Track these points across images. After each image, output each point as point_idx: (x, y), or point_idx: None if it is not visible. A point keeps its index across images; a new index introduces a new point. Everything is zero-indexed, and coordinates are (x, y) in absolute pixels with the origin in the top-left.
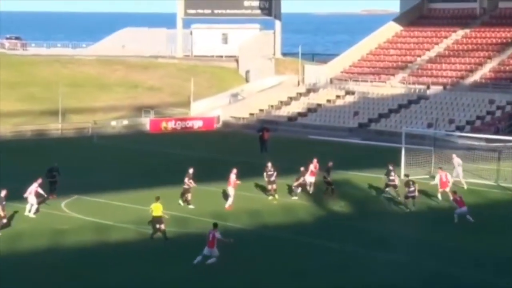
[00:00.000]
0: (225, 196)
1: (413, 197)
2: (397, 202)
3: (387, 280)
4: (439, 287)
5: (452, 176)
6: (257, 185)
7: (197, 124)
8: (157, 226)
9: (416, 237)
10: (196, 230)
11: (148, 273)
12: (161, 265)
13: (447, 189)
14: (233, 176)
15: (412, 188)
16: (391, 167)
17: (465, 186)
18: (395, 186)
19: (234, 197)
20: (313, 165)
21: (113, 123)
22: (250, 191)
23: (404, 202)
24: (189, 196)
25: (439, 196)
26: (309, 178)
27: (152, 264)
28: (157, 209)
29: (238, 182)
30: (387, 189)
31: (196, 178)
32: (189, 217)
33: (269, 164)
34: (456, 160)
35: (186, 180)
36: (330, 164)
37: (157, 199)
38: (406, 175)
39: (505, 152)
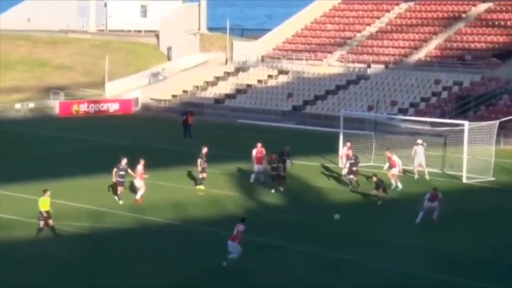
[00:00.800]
0: (132, 188)
1: (355, 172)
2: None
3: (307, 275)
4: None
5: (414, 165)
6: (181, 175)
7: (112, 107)
8: (44, 221)
9: (352, 231)
10: (112, 225)
11: (57, 273)
12: (74, 263)
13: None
14: (140, 167)
15: (353, 161)
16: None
17: (427, 177)
18: (354, 173)
19: (143, 189)
20: (257, 150)
21: (17, 106)
22: (172, 181)
23: (348, 178)
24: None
25: (393, 181)
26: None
27: (63, 263)
28: (44, 203)
29: (145, 176)
30: (350, 176)
31: (111, 167)
32: (105, 211)
33: (205, 150)
34: (420, 147)
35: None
36: (288, 148)
37: (44, 192)
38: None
39: (452, 137)
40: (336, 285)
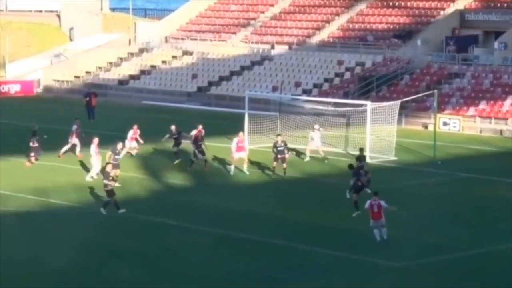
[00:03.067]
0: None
1: (283, 159)
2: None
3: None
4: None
5: (308, 149)
6: (85, 157)
7: (14, 89)
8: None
9: (251, 210)
10: (16, 209)
11: None
12: None
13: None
14: (93, 145)
15: (281, 148)
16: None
17: (322, 154)
18: (283, 160)
19: (97, 167)
20: (133, 131)
21: None
22: (76, 163)
23: (274, 165)
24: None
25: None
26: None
27: None
28: None
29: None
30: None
31: (13, 150)
32: (8, 194)
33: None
34: (316, 132)
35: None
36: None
37: None
38: (279, 134)
39: (354, 117)
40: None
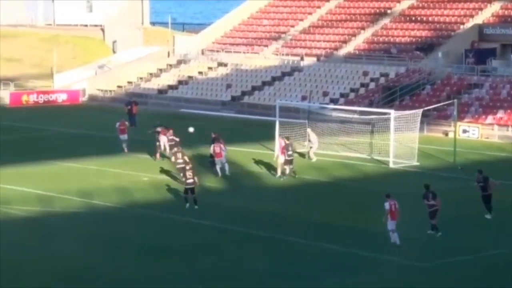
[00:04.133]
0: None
1: (291, 161)
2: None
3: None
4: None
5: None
6: (127, 161)
7: (61, 98)
8: None
9: (280, 212)
10: (61, 210)
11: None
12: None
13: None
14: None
15: (290, 152)
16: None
17: (314, 159)
18: (291, 162)
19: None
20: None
21: None
22: (119, 167)
23: (282, 168)
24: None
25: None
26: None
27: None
28: None
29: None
30: (285, 166)
31: (60, 155)
32: (54, 196)
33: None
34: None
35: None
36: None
37: None
38: (287, 137)
39: (379, 124)
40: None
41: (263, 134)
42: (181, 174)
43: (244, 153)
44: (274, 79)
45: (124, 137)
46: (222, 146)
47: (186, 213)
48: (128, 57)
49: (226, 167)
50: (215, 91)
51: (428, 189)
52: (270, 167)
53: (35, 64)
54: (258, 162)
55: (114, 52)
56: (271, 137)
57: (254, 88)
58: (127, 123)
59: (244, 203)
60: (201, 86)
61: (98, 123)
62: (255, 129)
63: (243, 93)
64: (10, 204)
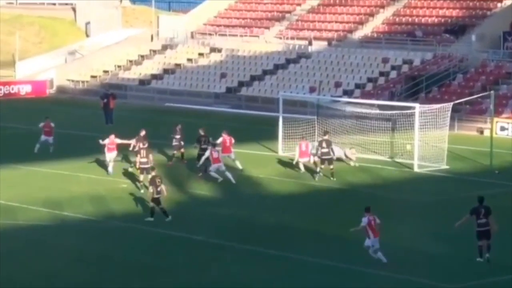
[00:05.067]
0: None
1: (330, 160)
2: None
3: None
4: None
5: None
6: (102, 165)
7: (24, 90)
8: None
9: (285, 224)
10: (24, 223)
11: None
12: None
13: (308, 160)
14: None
15: (325, 150)
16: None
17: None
18: (330, 161)
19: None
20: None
21: None
22: (93, 172)
23: (318, 167)
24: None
25: (301, 166)
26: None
27: None
28: None
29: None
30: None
31: (21, 158)
32: (17, 206)
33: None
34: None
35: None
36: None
37: None
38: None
39: (401, 121)
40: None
41: (264, 132)
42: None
43: (241, 155)
44: (277, 67)
45: (49, 139)
46: (221, 150)
47: (173, 226)
48: (104, 42)
49: (229, 175)
50: (207, 82)
51: (482, 202)
52: (271, 171)
53: None
54: (259, 165)
55: (87, 35)
56: (273, 136)
57: (253, 78)
58: (52, 124)
59: (243, 214)
60: (190, 75)
61: (68, 119)
62: (254, 126)
63: (240, 84)
64: None
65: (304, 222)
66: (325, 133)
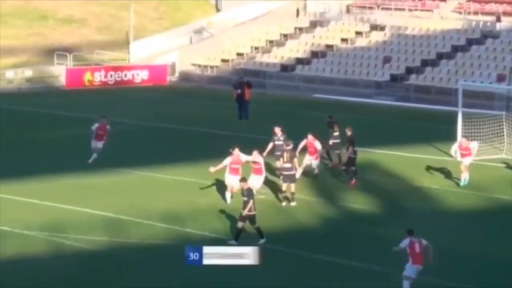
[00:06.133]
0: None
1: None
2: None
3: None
4: None
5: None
6: None
7: (140, 76)
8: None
9: (483, 251)
10: (140, 241)
11: None
12: None
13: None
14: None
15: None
16: None
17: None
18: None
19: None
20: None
21: (10, 74)
22: (219, 178)
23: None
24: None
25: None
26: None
27: None
28: None
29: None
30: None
31: (132, 160)
32: (128, 220)
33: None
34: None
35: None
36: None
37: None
38: None
39: None
40: None
41: (438, 131)
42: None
43: (408, 160)
44: (455, 49)
45: (98, 144)
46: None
47: (323, 249)
48: (238, 18)
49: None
50: (366, 68)
51: None
52: (446, 181)
53: (103, 28)
54: (434, 172)
55: (217, 10)
56: (450, 136)
57: (425, 63)
58: (108, 126)
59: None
60: (345, 60)
61: (193, 113)
62: (425, 124)
63: (409, 71)
64: (65, 232)
65: (496, 248)
66: None
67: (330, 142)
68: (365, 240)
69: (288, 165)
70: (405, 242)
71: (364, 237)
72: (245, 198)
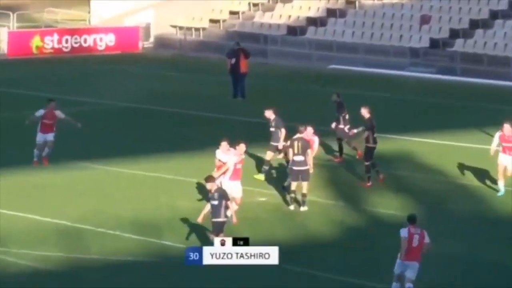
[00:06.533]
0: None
1: None
2: None
3: None
4: None
5: None
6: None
7: (104, 41)
8: None
9: None
10: (102, 256)
11: None
12: None
13: None
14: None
15: None
16: None
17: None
18: None
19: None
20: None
21: None
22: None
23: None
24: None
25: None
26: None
27: None
28: None
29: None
30: None
31: (98, 152)
32: (89, 230)
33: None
34: None
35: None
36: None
37: None
38: None
39: None
40: None
41: (490, 112)
42: None
43: (450, 150)
44: None
45: (47, 137)
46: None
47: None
48: None
49: None
50: (398, 31)
51: None
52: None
53: None
54: (484, 167)
55: None
56: (508, 119)
57: (474, 25)
58: (58, 113)
59: (463, 251)
60: (370, 20)
61: (173, 91)
62: (474, 102)
63: (454, 34)
64: (9, 245)
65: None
66: None
67: (347, 129)
68: (396, 255)
69: (299, 157)
70: (404, 232)
71: (396, 251)
72: (215, 202)
